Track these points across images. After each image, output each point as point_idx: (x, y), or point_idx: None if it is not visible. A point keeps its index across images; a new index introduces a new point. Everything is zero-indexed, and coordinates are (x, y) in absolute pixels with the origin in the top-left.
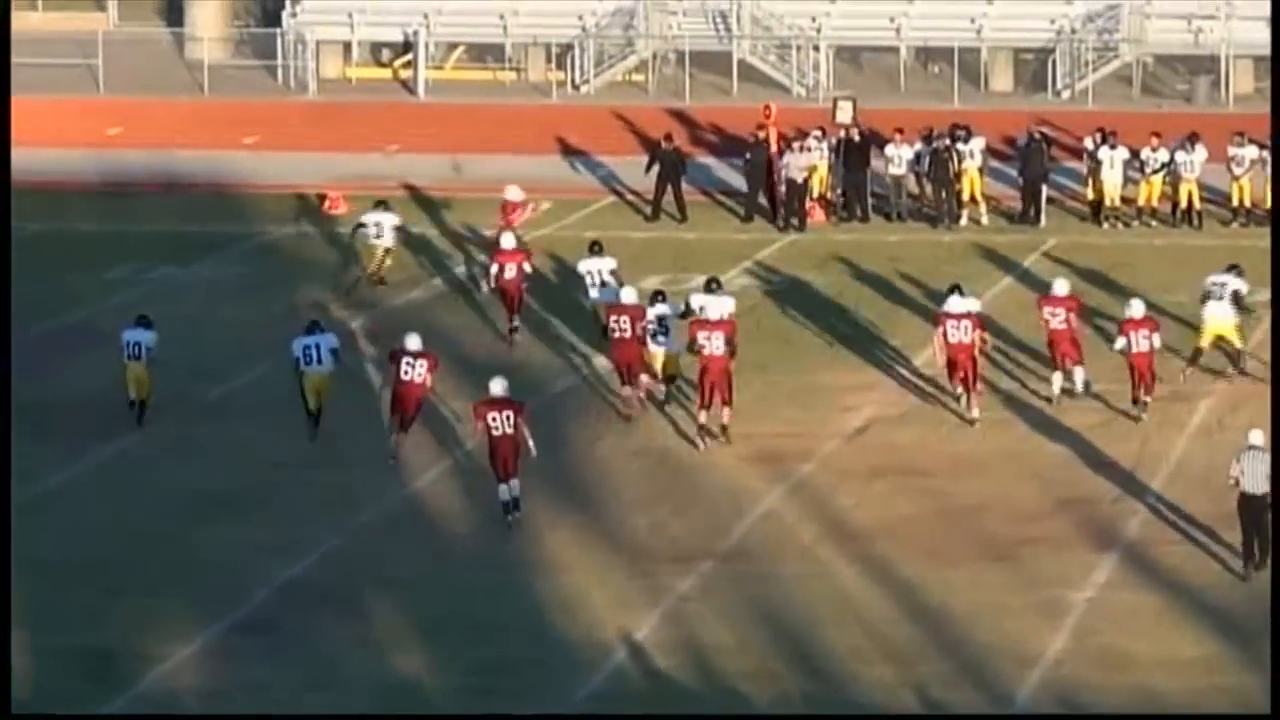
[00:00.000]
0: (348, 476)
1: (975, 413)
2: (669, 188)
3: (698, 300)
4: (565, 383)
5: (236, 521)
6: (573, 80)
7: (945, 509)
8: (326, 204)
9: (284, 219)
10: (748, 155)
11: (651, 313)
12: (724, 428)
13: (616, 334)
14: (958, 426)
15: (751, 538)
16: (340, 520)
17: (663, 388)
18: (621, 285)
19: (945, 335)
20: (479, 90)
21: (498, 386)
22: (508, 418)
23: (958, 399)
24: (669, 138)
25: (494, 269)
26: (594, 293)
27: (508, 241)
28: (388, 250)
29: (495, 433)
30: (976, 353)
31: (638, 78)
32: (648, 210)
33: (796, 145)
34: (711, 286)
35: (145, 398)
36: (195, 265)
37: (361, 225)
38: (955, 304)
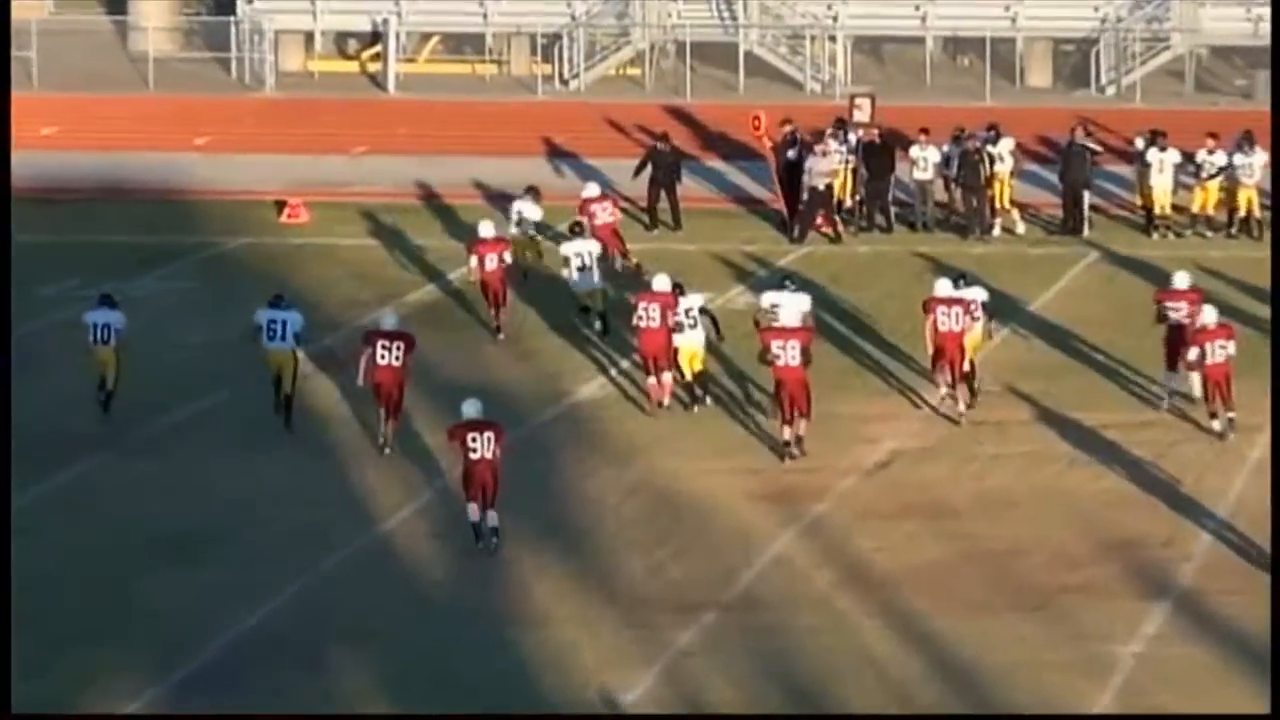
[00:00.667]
0: (314, 514)
1: (961, 407)
2: (663, 193)
3: (770, 298)
4: (553, 410)
5: (190, 564)
6: (560, 74)
7: (977, 553)
8: (286, 212)
9: (238, 229)
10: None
11: (682, 305)
12: (799, 439)
13: (644, 323)
14: (991, 460)
15: (761, 585)
16: (305, 563)
17: (700, 391)
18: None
19: (935, 324)
20: (456, 85)
21: (471, 408)
22: (488, 439)
23: (945, 399)
24: (665, 138)
25: (473, 261)
26: (576, 277)
27: (486, 230)
28: (532, 239)
29: (473, 456)
30: (966, 342)
31: (633, 72)
32: (645, 219)
33: (819, 149)
34: (785, 283)
35: (114, 386)
36: (140, 280)
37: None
38: (944, 288)
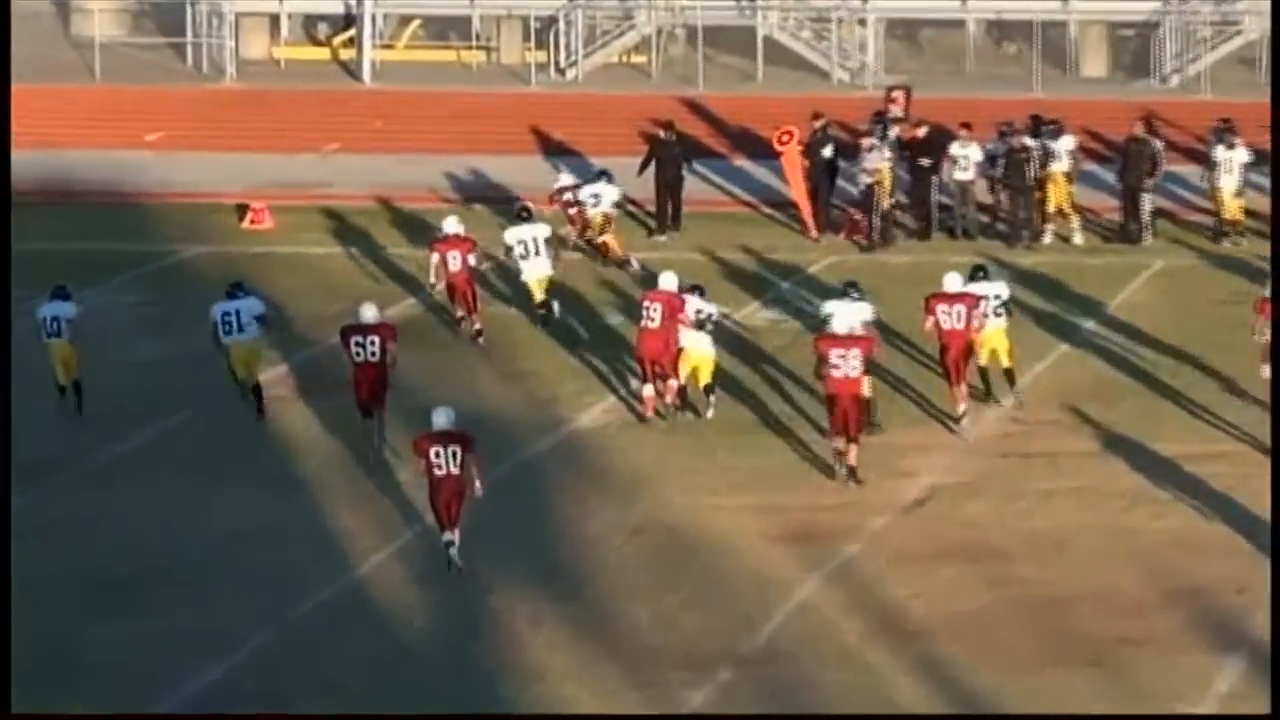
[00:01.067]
0: (282, 555)
1: (962, 407)
2: (673, 189)
3: (829, 308)
4: (549, 439)
5: (144, 610)
6: (557, 63)
7: (1025, 601)
8: (249, 217)
9: (195, 236)
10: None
11: (692, 306)
12: (852, 470)
13: (644, 323)
14: (1041, 496)
15: (783, 637)
16: (271, 610)
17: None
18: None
19: (937, 323)
20: (439, 75)
21: (441, 418)
22: (453, 454)
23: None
24: (669, 127)
25: (434, 259)
26: (526, 266)
27: (450, 226)
28: (608, 217)
29: (438, 471)
30: (979, 341)
31: (638, 59)
32: (650, 223)
33: (865, 144)
34: (848, 290)
35: (77, 378)
36: (86, 293)
37: (574, 196)
38: (951, 283)
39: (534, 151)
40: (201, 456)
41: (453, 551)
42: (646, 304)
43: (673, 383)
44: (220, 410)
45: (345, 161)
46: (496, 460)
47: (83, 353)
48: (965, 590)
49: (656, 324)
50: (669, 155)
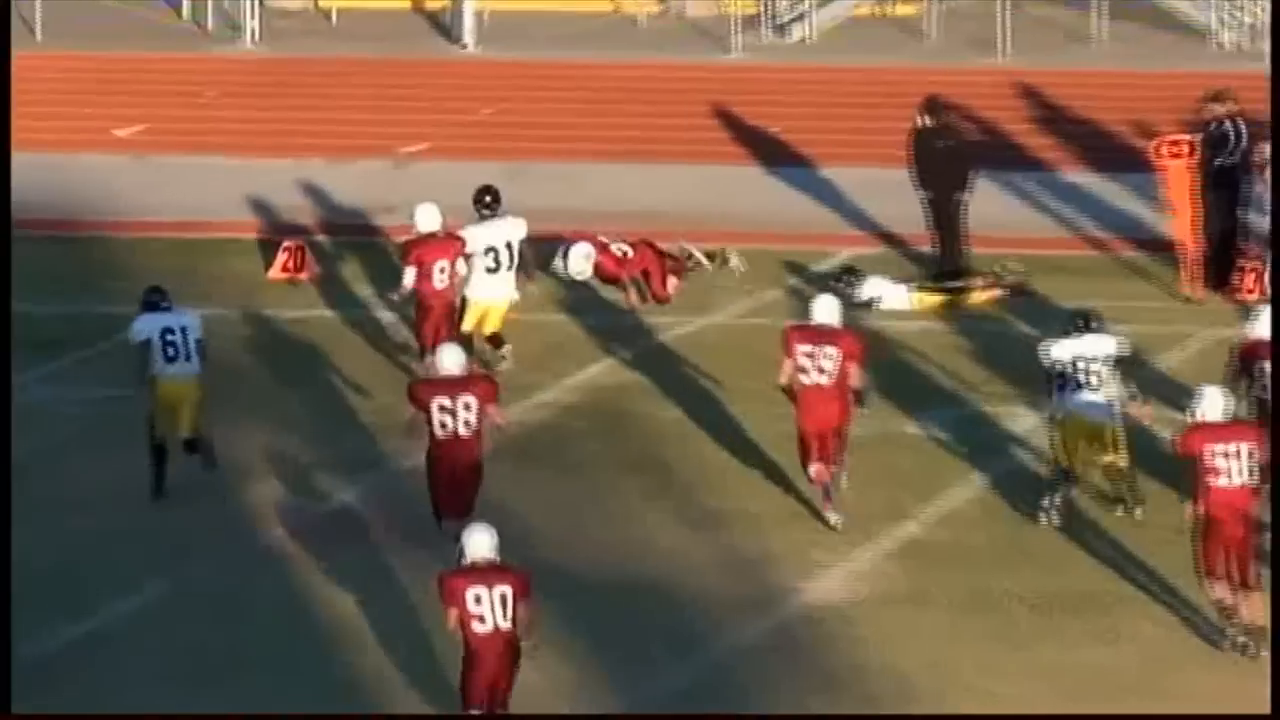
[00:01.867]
0: None
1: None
2: (948, 213)
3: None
4: (760, 623)
5: None
6: (773, 17)
7: None
8: (280, 261)
9: (194, 290)
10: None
11: (1091, 350)
12: (1249, 634)
13: (809, 381)
14: None
15: None
16: None
17: None
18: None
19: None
20: (584, 36)
21: (481, 544)
22: (501, 599)
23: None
24: (933, 109)
25: (408, 277)
26: (486, 284)
27: (428, 220)
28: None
29: (480, 628)
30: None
31: (904, 10)
32: (931, 267)
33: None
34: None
35: None
36: (27, 377)
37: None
38: (1261, 325)
39: (738, 157)
40: (194, 640)
41: None
42: (807, 347)
43: (816, 468)
44: (226, 568)
45: (432, 171)
46: (688, 649)
47: None
48: None
49: (829, 379)
50: (932, 155)
